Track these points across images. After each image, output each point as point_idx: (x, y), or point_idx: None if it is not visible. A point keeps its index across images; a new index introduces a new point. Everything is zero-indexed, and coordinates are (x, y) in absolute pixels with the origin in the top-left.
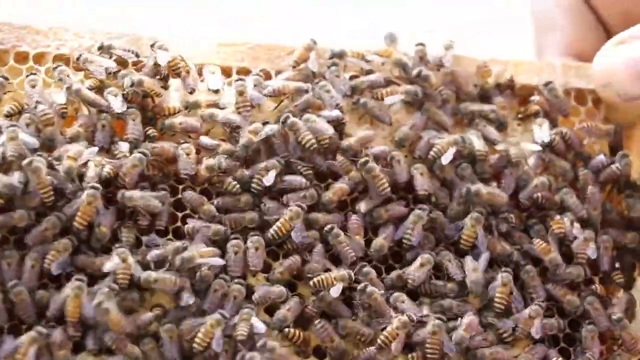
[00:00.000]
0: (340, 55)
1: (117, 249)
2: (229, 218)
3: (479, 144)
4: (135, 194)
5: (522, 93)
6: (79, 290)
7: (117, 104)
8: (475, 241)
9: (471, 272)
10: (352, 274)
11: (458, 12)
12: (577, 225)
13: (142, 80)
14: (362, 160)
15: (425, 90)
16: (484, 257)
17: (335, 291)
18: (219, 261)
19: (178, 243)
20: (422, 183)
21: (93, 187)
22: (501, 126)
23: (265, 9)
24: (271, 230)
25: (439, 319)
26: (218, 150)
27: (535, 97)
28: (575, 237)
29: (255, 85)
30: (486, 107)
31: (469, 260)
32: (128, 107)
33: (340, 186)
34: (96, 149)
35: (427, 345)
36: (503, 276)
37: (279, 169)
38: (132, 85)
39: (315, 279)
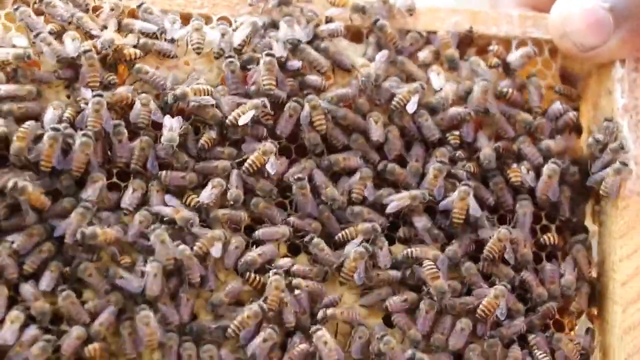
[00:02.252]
0: (286, 2)
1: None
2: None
3: (438, 83)
4: None
5: (480, 43)
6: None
7: (71, 48)
8: (434, 191)
9: None
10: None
11: None
12: (532, 174)
13: (112, 39)
14: (310, 96)
15: (380, 40)
16: None
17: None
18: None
19: None
20: (376, 131)
21: (53, 129)
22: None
23: None
24: (245, 164)
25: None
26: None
27: (494, 47)
28: (531, 186)
29: (223, 35)
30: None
31: None
32: (85, 52)
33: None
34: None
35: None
36: (461, 190)
37: (260, 108)
38: (107, 47)
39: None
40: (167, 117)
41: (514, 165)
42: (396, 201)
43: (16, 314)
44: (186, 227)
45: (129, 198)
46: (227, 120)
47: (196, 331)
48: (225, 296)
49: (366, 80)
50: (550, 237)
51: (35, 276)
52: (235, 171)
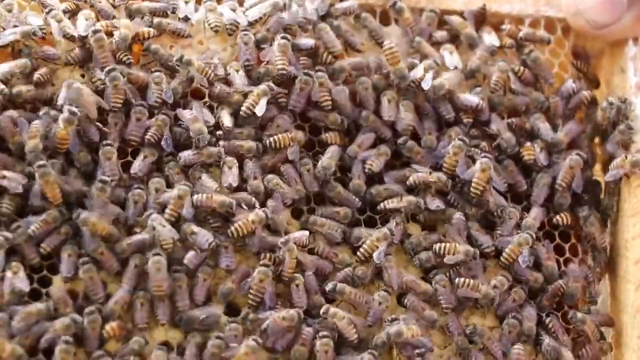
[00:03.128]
0: None
1: None
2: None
3: (451, 61)
4: None
5: (493, 21)
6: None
7: (81, 27)
8: (457, 170)
9: None
10: None
11: None
12: (545, 152)
13: (127, 35)
14: (319, 73)
15: (398, 22)
16: None
17: None
18: None
19: None
20: (388, 110)
21: (70, 112)
22: None
23: None
24: (271, 138)
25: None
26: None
27: (507, 26)
28: (543, 164)
29: (233, 11)
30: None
31: None
32: (94, 33)
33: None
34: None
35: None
36: (482, 162)
37: (269, 95)
38: (124, 45)
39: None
40: (186, 111)
41: (527, 144)
42: (422, 173)
43: (45, 311)
44: (226, 211)
45: (139, 164)
46: (241, 112)
47: (185, 321)
48: (232, 282)
49: (402, 82)
50: (563, 217)
51: (50, 257)
52: (250, 163)
